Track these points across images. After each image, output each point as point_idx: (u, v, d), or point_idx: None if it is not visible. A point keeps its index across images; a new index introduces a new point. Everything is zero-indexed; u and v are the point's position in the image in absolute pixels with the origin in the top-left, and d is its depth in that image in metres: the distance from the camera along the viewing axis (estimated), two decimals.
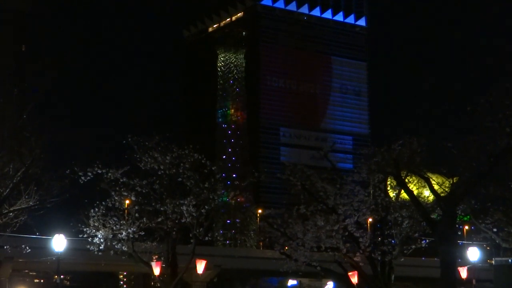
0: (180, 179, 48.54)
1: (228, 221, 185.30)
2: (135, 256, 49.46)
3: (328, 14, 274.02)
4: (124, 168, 48.36)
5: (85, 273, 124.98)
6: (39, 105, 49.21)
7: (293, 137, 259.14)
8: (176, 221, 48.31)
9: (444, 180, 43.37)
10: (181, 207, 47.80)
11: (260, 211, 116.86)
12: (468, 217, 52.75)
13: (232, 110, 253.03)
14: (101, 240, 47.91)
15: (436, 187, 42.06)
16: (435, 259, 68.37)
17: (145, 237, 48.96)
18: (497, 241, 49.11)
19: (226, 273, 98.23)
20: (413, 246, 49.01)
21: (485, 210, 47.73)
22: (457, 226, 49.70)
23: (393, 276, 47.55)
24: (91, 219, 47.80)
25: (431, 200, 45.57)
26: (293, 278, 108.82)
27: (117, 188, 48.03)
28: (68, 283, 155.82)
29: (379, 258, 46.33)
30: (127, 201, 49.25)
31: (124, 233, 47.84)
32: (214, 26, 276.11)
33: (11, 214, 47.00)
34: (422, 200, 45.02)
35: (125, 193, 48.00)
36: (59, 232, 50.61)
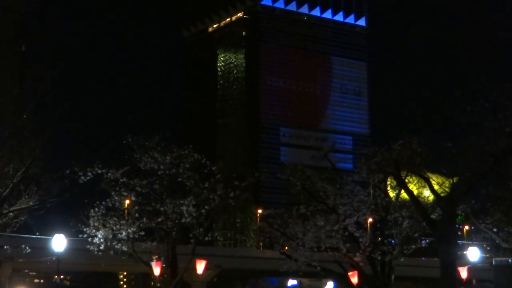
0: (180, 179, 48.53)
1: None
2: (135, 256, 49.46)
3: (328, 14, 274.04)
4: (124, 168, 48.37)
5: (85, 273, 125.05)
6: (38, 105, 49.09)
7: (293, 137, 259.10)
8: (176, 221, 48.31)
9: (444, 180, 43.39)
10: (181, 207, 47.81)
11: (260, 211, 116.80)
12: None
13: (232, 110, 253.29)
14: (101, 240, 47.90)
15: (436, 187, 42.07)
16: (435, 259, 68.38)
17: (145, 237, 48.95)
18: (497, 241, 49.16)
19: (226, 273, 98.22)
20: (413, 246, 49.02)
21: (485, 210, 47.78)
22: (457, 226, 49.71)
23: (393, 276, 47.58)
24: (91, 219, 47.80)
25: (431, 200, 45.59)
26: (293, 278, 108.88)
27: (117, 188, 48.03)
28: (68, 283, 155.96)
29: (379, 258, 46.36)
30: (127, 201, 49.25)
31: (124, 233, 47.85)
32: (214, 26, 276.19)
33: (11, 214, 47.02)
34: (422, 200, 45.03)
35: (125, 193, 48.00)
36: (59, 232, 50.63)
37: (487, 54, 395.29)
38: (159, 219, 48.30)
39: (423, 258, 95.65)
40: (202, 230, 49.22)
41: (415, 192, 43.93)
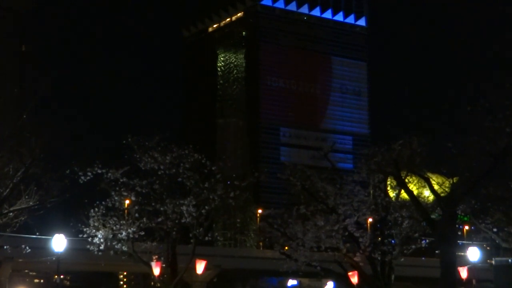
0: (180, 179, 48.53)
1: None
2: (135, 256, 49.44)
3: (328, 14, 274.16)
4: (124, 168, 48.34)
5: (85, 273, 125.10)
6: (38, 105, 49.10)
7: (293, 137, 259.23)
8: (176, 221, 48.30)
9: (444, 180, 43.39)
10: (181, 207, 47.79)
11: (260, 211, 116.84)
12: (467, 217, 52.74)
13: (232, 110, 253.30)
14: (101, 240, 47.88)
15: (436, 187, 42.07)
16: (435, 259, 68.40)
17: (145, 237, 48.93)
18: (497, 241, 49.14)
19: (226, 273, 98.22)
20: (413, 246, 49.01)
21: (485, 210, 47.77)
22: (457, 226, 49.69)
23: (393, 276, 47.57)
24: (91, 219, 47.79)
25: (431, 200, 45.60)
26: (293, 278, 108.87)
27: (117, 188, 48.02)
28: (68, 283, 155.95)
29: (379, 258, 46.35)
30: (127, 201, 49.23)
31: (124, 233, 47.84)
32: (214, 26, 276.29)
33: (11, 214, 47.00)
34: (422, 200, 45.03)
35: (125, 193, 47.99)
36: (59, 232, 50.60)
37: (487, 54, 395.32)
38: (159, 219, 48.29)
39: (423, 258, 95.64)
40: (202, 230, 49.20)
41: (415, 192, 43.92)
